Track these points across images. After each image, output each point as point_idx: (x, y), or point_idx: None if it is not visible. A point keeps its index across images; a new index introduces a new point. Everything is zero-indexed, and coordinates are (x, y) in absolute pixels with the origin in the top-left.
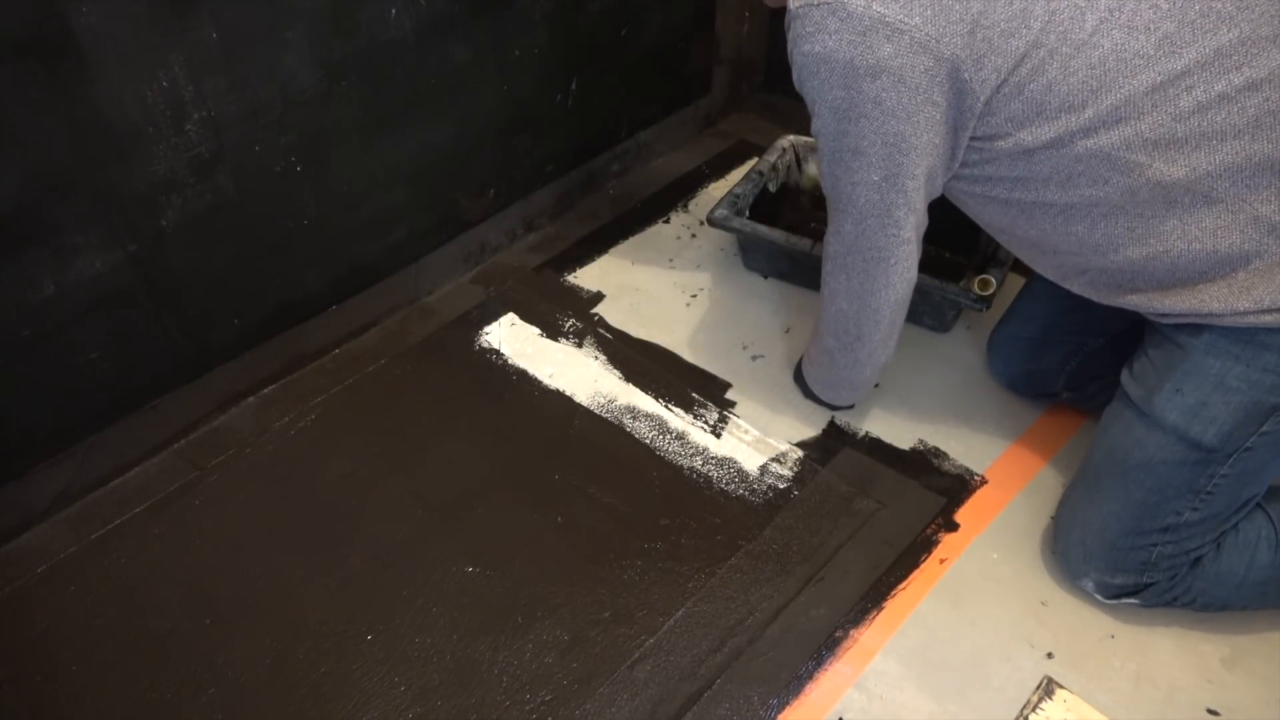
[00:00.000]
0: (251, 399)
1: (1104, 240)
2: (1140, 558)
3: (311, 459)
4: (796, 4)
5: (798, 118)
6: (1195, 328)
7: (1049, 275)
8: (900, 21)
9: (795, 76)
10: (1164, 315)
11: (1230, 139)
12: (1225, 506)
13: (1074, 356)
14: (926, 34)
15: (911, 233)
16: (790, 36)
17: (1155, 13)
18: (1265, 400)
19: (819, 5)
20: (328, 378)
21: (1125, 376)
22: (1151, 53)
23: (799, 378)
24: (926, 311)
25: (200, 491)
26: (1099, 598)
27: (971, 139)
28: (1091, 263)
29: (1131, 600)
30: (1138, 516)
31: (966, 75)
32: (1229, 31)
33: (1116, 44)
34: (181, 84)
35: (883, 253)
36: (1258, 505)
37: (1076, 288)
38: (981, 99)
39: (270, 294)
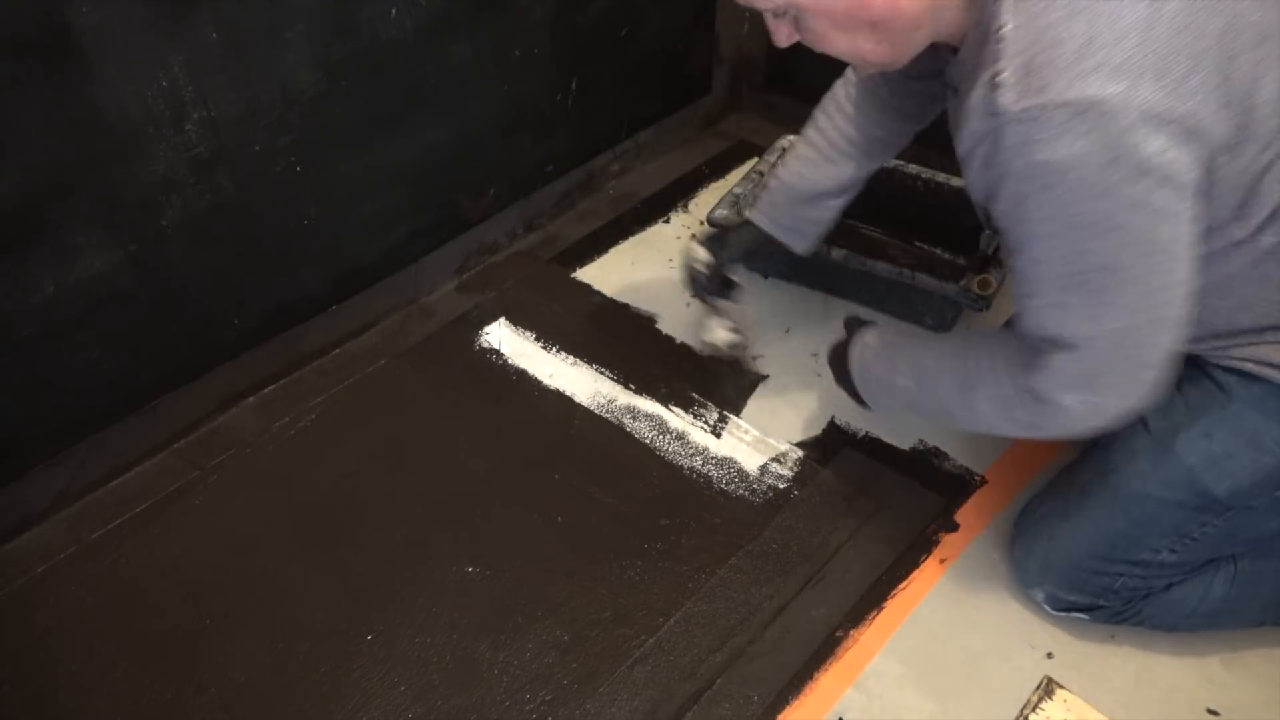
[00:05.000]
0: (251, 399)
1: (1231, 304)
2: (1101, 583)
3: (312, 459)
4: (1019, 104)
5: (798, 118)
6: (1250, 377)
7: None
8: (1169, 109)
9: (1010, 190)
10: (1223, 356)
11: None
12: (1203, 554)
13: None
14: (1199, 119)
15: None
16: (1007, 143)
17: None
18: None
19: (1061, 106)
20: (328, 378)
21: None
22: None
23: (837, 363)
24: (927, 312)
25: (200, 491)
26: (1047, 608)
27: None
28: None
29: (1080, 616)
30: (1112, 544)
31: (1220, 159)
32: None
33: None
34: (181, 84)
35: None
36: None
37: None
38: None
39: (270, 294)
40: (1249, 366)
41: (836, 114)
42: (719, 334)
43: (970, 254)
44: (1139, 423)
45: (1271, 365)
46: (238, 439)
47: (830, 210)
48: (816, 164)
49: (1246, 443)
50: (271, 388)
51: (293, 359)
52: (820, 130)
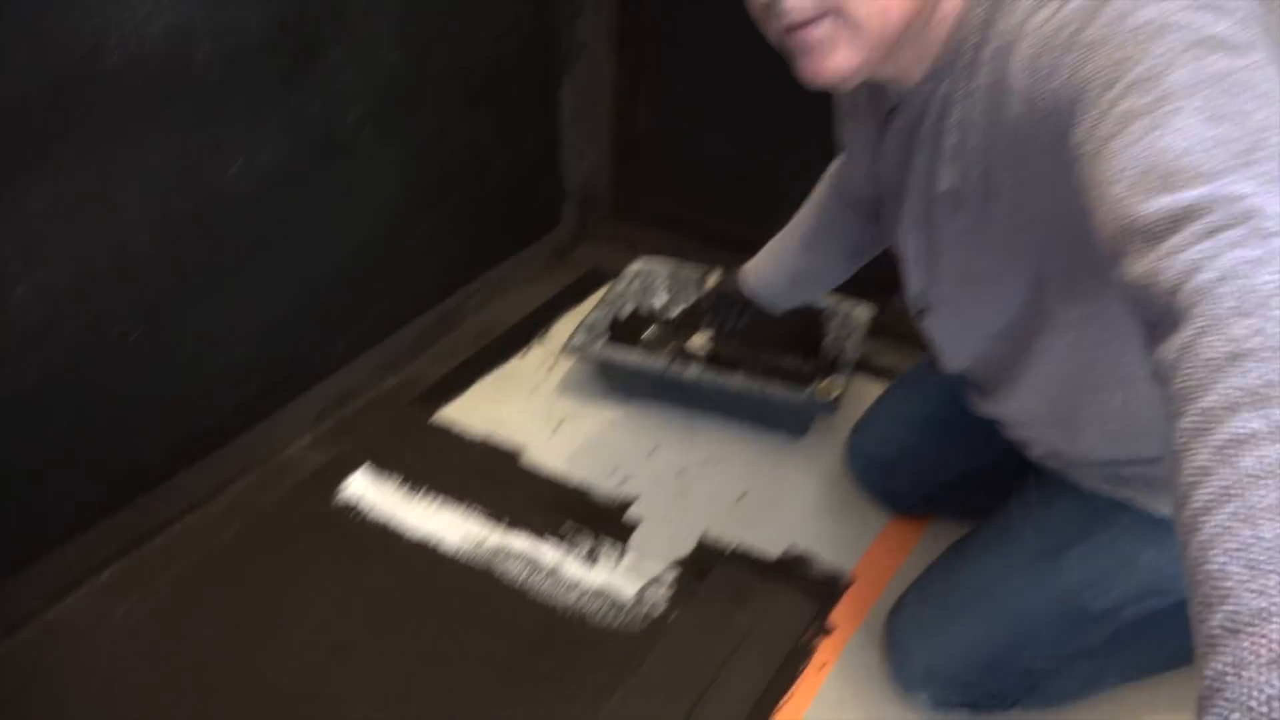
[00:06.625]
0: (87, 587)
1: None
2: (986, 690)
3: (161, 645)
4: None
5: (644, 242)
6: (1120, 505)
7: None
8: None
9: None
10: (1098, 481)
11: None
12: (1081, 652)
13: (923, 483)
14: None
15: None
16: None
17: None
18: (1163, 586)
19: None
20: (173, 554)
21: (1021, 520)
22: None
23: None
24: (780, 421)
25: (30, 699)
26: (930, 706)
27: None
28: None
29: (964, 712)
30: (994, 655)
31: None
32: None
33: None
34: (8, 254)
35: None
36: None
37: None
38: None
39: (105, 469)
40: (1124, 494)
41: (817, 208)
42: (699, 341)
43: (812, 358)
44: (1012, 539)
45: (1145, 491)
46: (72, 632)
47: (812, 292)
48: (798, 249)
49: (1121, 565)
50: (111, 570)
51: (134, 536)
52: (804, 219)
